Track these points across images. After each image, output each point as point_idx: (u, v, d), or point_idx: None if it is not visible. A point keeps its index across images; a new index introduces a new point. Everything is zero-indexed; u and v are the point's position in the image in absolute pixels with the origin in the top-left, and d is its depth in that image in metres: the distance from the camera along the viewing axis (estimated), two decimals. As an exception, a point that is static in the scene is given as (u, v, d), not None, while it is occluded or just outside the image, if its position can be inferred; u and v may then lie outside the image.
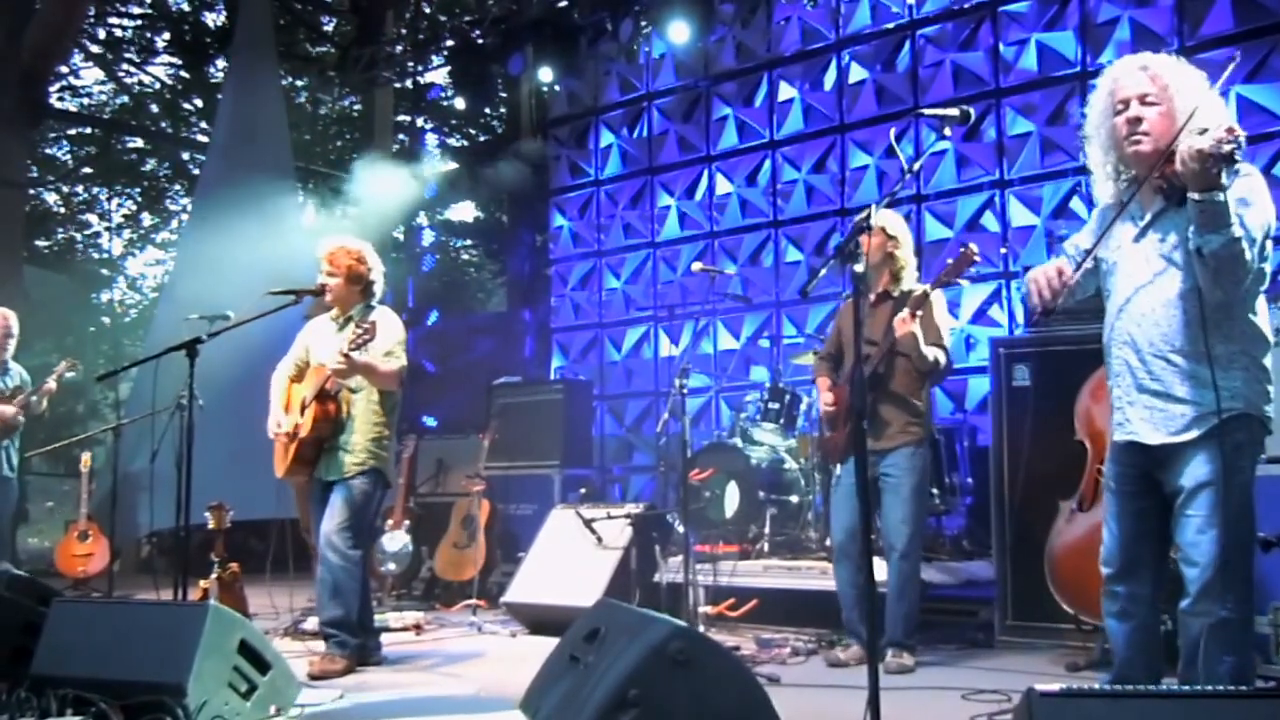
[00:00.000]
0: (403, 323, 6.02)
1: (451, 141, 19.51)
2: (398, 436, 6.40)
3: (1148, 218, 3.53)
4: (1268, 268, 3.46)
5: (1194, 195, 3.17)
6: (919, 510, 5.61)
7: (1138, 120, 3.47)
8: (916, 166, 8.52)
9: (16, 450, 8.21)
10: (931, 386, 5.95)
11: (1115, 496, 3.66)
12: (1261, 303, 3.48)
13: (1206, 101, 3.40)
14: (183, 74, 19.64)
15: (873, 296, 5.74)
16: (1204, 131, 3.14)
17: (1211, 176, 3.11)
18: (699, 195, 11.06)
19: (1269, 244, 3.39)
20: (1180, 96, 3.44)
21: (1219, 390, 3.33)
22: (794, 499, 7.67)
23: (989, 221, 9.12)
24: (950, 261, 5.13)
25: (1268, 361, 3.47)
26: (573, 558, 7.13)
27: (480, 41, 11.02)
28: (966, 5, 9.40)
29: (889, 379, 5.60)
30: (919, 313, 5.37)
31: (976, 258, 4.97)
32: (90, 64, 19.33)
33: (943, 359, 5.57)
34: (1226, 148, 3.03)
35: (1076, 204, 8.54)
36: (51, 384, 8.11)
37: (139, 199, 21.03)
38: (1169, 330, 3.43)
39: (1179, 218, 3.40)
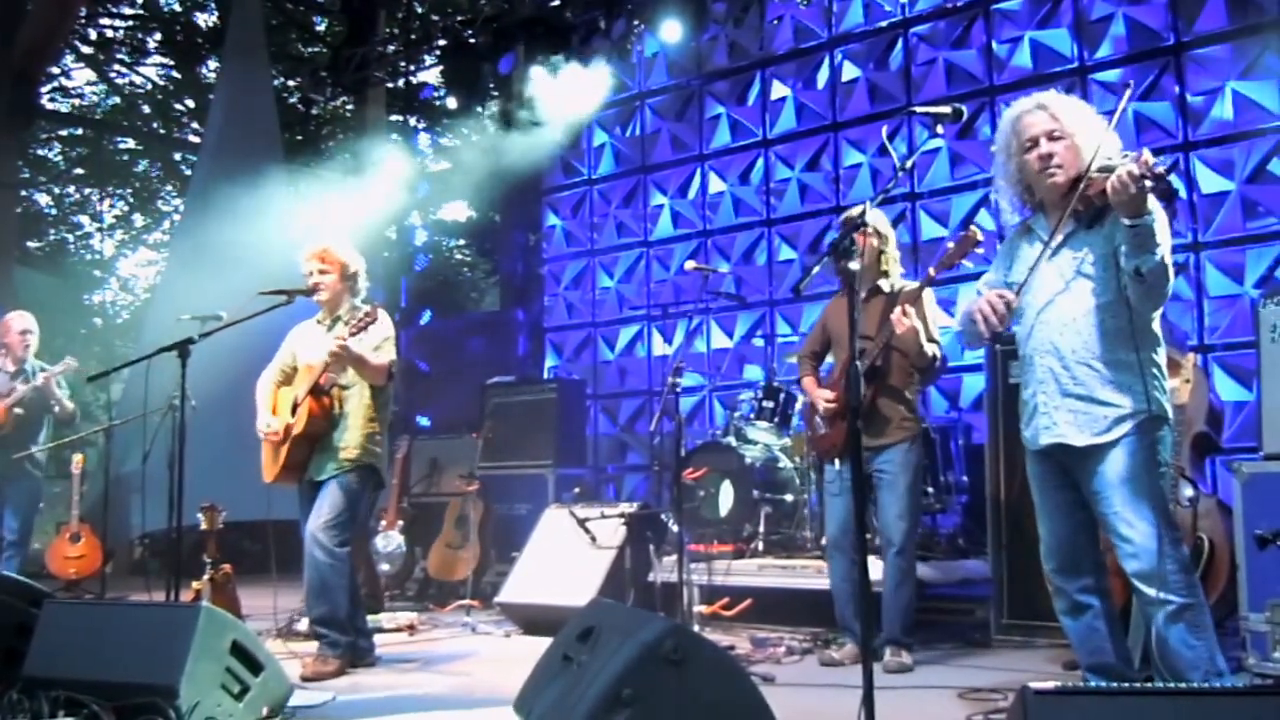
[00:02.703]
0: (395, 322, 6.01)
1: (444, 141, 19.46)
2: (391, 436, 6.39)
3: (1059, 238, 3.78)
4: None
5: (1127, 220, 3.41)
6: (914, 505, 5.61)
7: (1049, 156, 3.75)
8: (909, 165, 8.50)
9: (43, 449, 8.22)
10: (927, 384, 5.92)
11: (1043, 495, 3.90)
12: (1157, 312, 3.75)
13: (1103, 133, 3.71)
14: (174, 75, 19.59)
15: (863, 293, 5.74)
16: (1106, 165, 3.47)
17: (1143, 200, 3.35)
18: (692, 194, 11.06)
19: None
20: (1080, 130, 3.75)
21: (1134, 393, 3.64)
22: (788, 498, 7.66)
23: (984, 219, 9.10)
24: (951, 245, 5.05)
25: (1163, 363, 3.77)
26: (567, 557, 7.11)
27: (472, 41, 11.00)
28: (959, 3, 9.40)
29: (887, 375, 5.58)
30: (911, 308, 5.33)
31: (980, 239, 4.92)
32: (82, 65, 19.30)
33: (939, 354, 5.58)
34: (1161, 167, 3.27)
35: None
36: (41, 380, 8.06)
37: (130, 200, 20.96)
38: (1089, 339, 3.70)
39: (1092, 237, 3.72)
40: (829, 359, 6.11)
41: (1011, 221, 4.02)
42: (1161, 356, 3.76)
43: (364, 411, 5.80)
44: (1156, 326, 3.76)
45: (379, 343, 5.75)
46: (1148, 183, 3.28)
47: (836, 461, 5.72)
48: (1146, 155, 3.29)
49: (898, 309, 5.15)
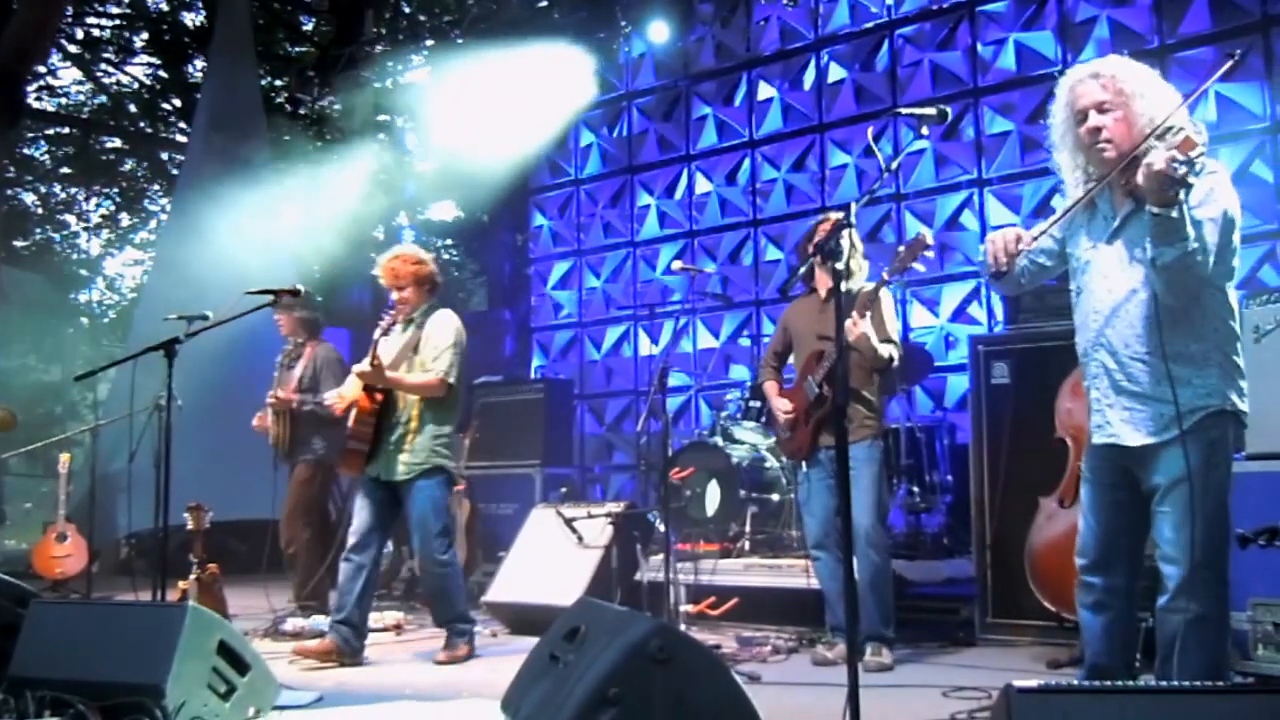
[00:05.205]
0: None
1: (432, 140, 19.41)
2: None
3: (1118, 220, 3.56)
4: (1237, 262, 3.49)
5: (1152, 209, 3.21)
6: (880, 497, 5.65)
7: (1098, 130, 3.50)
8: (895, 165, 8.53)
9: None
10: (910, 384, 5.92)
11: (1093, 488, 3.68)
12: (1232, 296, 3.51)
13: (1164, 100, 3.44)
14: (161, 74, 19.49)
15: (823, 293, 5.78)
16: (1165, 134, 3.21)
17: (1168, 195, 3.13)
18: (679, 194, 11.09)
19: (1236, 237, 3.42)
20: (1136, 98, 3.46)
21: (1194, 387, 3.38)
22: (775, 497, 7.68)
23: (968, 220, 9.16)
24: (901, 249, 5.07)
25: (1239, 358, 3.49)
26: (553, 557, 7.12)
27: (460, 41, 11.00)
28: (944, 5, 9.45)
29: (846, 376, 5.60)
30: (868, 312, 5.37)
31: (929, 242, 4.92)
32: (68, 64, 19.18)
33: (896, 354, 5.62)
34: (1180, 171, 3.04)
35: (1058, 202, 8.55)
36: None
37: (117, 199, 20.85)
38: (1143, 332, 3.45)
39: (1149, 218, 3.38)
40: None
41: (1076, 193, 3.70)
42: (1235, 348, 3.49)
43: (428, 415, 5.93)
44: (1232, 319, 3.49)
45: (437, 353, 5.92)
46: (1177, 186, 3.08)
47: (804, 464, 5.78)
48: (1176, 150, 3.05)
49: (850, 318, 5.18)
